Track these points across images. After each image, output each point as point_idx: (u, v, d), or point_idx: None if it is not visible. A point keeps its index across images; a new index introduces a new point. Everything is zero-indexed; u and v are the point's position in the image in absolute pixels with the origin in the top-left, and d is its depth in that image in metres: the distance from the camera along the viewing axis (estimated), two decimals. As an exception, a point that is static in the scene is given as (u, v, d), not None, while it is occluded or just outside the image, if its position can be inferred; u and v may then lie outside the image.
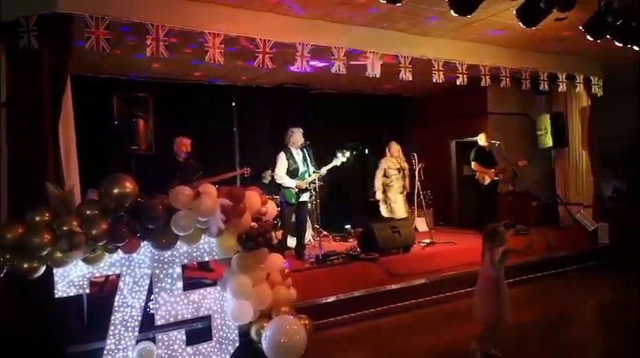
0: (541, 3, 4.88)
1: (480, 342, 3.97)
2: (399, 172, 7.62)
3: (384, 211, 7.69)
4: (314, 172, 6.32)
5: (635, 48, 5.95)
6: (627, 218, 7.97)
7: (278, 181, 6.29)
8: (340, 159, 6.58)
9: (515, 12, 5.18)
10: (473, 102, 9.13)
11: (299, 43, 5.52)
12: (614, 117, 9.35)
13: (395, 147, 7.75)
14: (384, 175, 7.65)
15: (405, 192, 7.63)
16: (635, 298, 5.79)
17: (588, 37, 5.63)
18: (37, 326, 3.98)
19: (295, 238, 6.58)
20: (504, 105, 9.30)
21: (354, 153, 9.67)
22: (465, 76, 6.68)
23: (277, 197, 6.71)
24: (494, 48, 7.05)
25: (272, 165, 6.61)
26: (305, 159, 6.36)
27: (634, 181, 9.98)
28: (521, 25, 5.24)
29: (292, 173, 6.24)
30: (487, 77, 6.93)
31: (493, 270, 3.90)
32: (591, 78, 8.25)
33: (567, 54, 7.70)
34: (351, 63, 5.89)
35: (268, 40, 5.31)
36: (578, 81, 8.06)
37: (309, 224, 7.24)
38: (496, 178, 8.15)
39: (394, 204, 7.60)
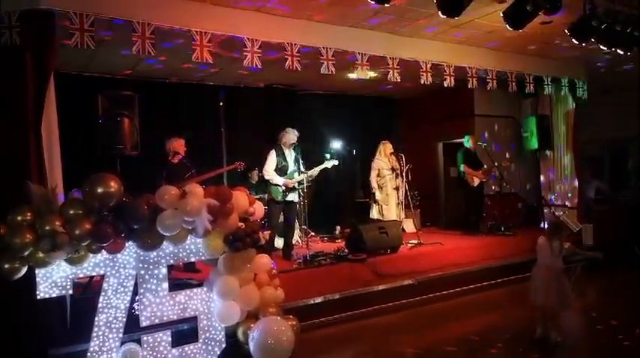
0: (528, 6, 4.94)
1: (542, 326, 4.34)
2: (392, 172, 7.61)
3: (374, 213, 7.66)
4: (302, 173, 6.31)
5: (620, 52, 6.05)
6: (611, 219, 8.08)
7: (266, 177, 6.28)
8: (331, 162, 6.60)
9: (502, 14, 5.24)
10: (460, 104, 9.21)
11: (287, 43, 5.51)
12: (599, 120, 9.52)
13: (388, 147, 7.75)
14: (378, 175, 7.65)
15: (398, 193, 7.59)
16: (620, 298, 5.87)
17: (574, 41, 5.71)
18: (18, 328, 3.89)
19: (283, 239, 6.55)
20: (491, 108, 9.39)
21: (341, 156, 9.66)
22: (452, 77, 6.72)
23: (264, 196, 6.69)
24: (481, 50, 7.12)
25: (259, 166, 6.57)
26: (297, 160, 6.37)
27: (616, 183, 10.16)
28: (508, 27, 5.29)
29: (281, 171, 6.23)
30: (474, 79, 6.99)
31: (557, 262, 4.27)
32: (576, 81, 8.37)
33: (553, 57, 7.80)
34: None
35: (256, 40, 5.30)
36: (563, 84, 8.18)
37: (296, 224, 7.22)
38: (483, 179, 8.22)
39: (386, 204, 7.59)
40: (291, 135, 6.27)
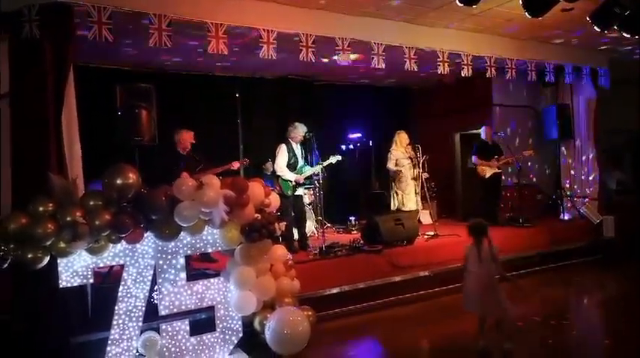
0: (548, -7, 4.83)
1: (485, 336, 4.00)
2: (411, 161, 7.55)
3: (395, 203, 7.62)
4: (316, 165, 6.35)
5: (644, 39, 5.88)
6: (633, 211, 7.92)
7: (278, 173, 6.32)
8: (335, 158, 6.64)
9: (521, 2, 5.12)
10: (478, 94, 9.07)
11: (303, 34, 5.49)
12: (620, 110, 9.29)
13: (404, 137, 7.69)
14: (395, 165, 7.61)
15: (418, 182, 7.54)
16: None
17: (595, 28, 5.56)
18: (40, 316, 3.99)
19: (297, 230, 6.59)
20: (510, 97, 9.23)
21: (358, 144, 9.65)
22: (469, 67, 6.63)
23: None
24: (499, 39, 6.99)
25: (274, 158, 6.61)
26: (303, 154, 6.41)
27: (638, 174, 9.93)
28: (527, 15, 5.18)
29: (292, 166, 6.27)
30: (492, 68, 6.88)
31: (486, 267, 3.92)
32: (598, 69, 8.17)
33: (574, 45, 7.63)
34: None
35: (272, 31, 5.29)
36: (584, 72, 7.99)
37: (309, 215, 7.25)
38: (498, 170, 8.10)
39: (407, 195, 7.54)
40: (300, 130, 6.31)
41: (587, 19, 5.55)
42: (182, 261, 3.80)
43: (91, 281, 3.57)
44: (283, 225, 6.51)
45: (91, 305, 4.24)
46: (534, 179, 9.35)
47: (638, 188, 9.36)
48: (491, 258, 3.93)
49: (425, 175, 7.58)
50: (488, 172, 8.05)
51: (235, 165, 6.25)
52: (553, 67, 7.50)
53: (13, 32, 4.28)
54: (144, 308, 3.64)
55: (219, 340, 3.91)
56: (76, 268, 3.46)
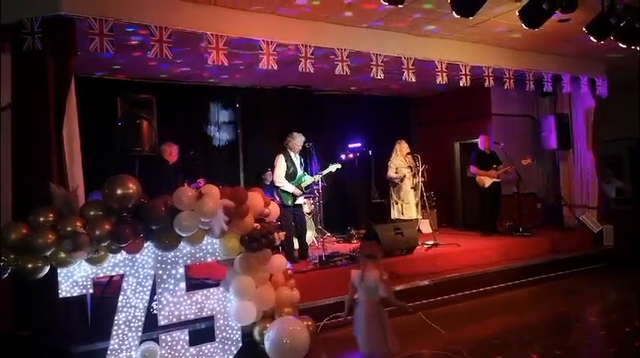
0: (544, 4, 4.87)
1: None
2: (411, 170, 7.58)
3: (394, 212, 7.64)
4: (316, 174, 6.38)
5: (639, 49, 5.93)
6: (633, 219, 7.92)
7: (277, 184, 6.31)
8: (335, 166, 6.67)
9: (518, 13, 5.18)
10: (476, 103, 9.12)
11: (302, 45, 5.54)
12: (620, 118, 9.34)
13: (404, 146, 7.72)
14: (395, 173, 7.64)
15: (417, 191, 7.56)
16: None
17: (592, 39, 5.62)
18: (40, 326, 4.00)
19: (297, 240, 6.60)
20: (508, 107, 9.28)
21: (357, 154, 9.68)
22: (468, 77, 6.67)
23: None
24: (497, 49, 7.05)
25: (273, 167, 6.66)
26: (301, 164, 6.45)
27: (637, 183, 9.94)
28: (524, 26, 5.23)
29: (290, 176, 6.29)
30: (490, 78, 6.93)
31: (382, 293, 3.32)
32: (595, 79, 8.23)
33: (571, 55, 7.68)
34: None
35: (271, 42, 5.34)
36: (582, 82, 8.04)
37: (309, 225, 7.26)
38: (497, 180, 8.12)
39: (406, 203, 7.56)
40: (298, 140, 6.34)
41: (584, 29, 5.60)
42: (181, 270, 3.81)
43: (91, 291, 3.58)
44: (283, 234, 6.52)
45: (91, 315, 4.24)
46: (523, 181, 9.32)
47: (637, 196, 9.37)
48: (378, 287, 3.30)
49: (422, 179, 7.58)
50: (487, 182, 8.07)
51: (202, 182, 6.26)
52: (551, 76, 7.55)
53: (14, 44, 4.33)
54: (143, 318, 3.64)
55: (219, 350, 3.90)
56: (75, 278, 3.47)
